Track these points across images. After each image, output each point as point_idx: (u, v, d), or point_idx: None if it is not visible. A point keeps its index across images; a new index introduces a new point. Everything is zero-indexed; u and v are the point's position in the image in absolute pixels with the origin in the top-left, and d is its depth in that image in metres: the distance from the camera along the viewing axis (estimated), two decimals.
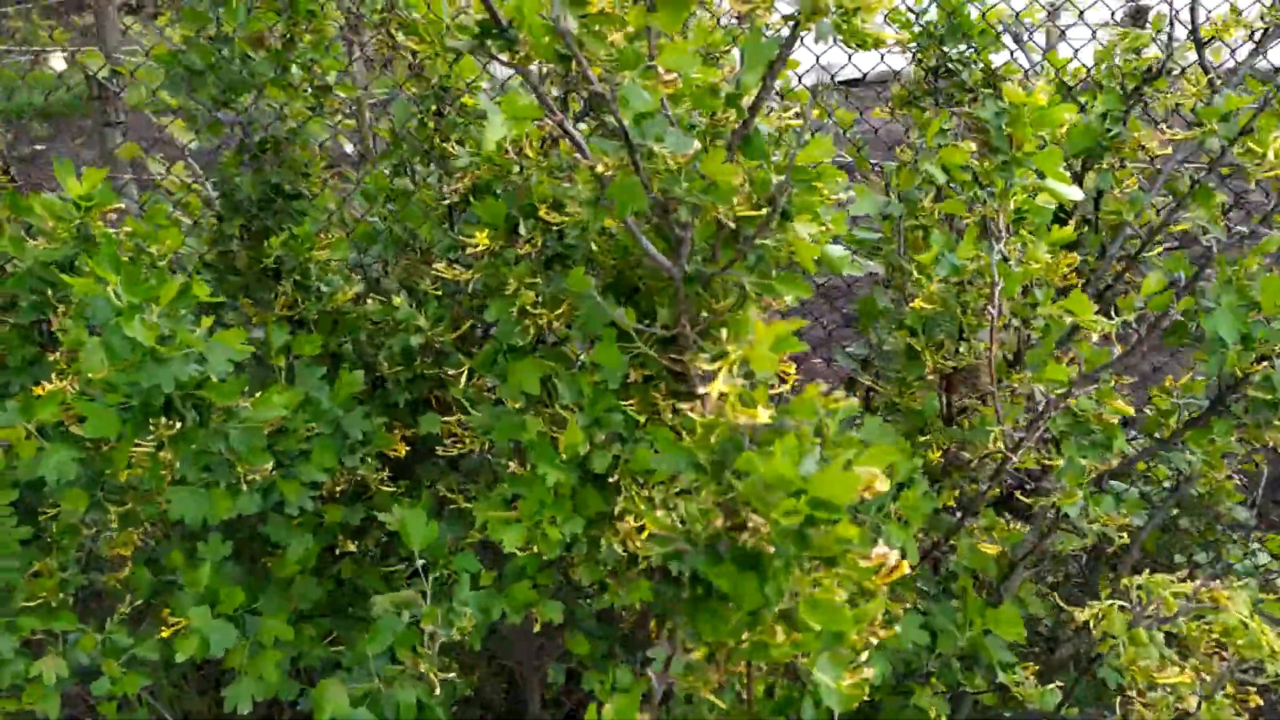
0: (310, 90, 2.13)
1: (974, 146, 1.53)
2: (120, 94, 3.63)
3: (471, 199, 1.56)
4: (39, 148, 5.77)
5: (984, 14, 1.80)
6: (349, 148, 3.86)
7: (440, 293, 1.99)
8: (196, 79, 1.92)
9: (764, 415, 0.78)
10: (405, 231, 2.18)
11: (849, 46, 1.01)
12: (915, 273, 1.36)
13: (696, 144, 1.02)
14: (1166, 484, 2.25)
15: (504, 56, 1.14)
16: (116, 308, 1.28)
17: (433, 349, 1.91)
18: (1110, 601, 1.23)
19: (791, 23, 1.00)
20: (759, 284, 1.21)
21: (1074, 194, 1.20)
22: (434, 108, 2.30)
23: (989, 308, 1.27)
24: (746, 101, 1.12)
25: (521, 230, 1.45)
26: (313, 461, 1.67)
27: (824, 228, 1.16)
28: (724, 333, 1.35)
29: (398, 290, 2.04)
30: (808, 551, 0.68)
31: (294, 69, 2.08)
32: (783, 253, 1.23)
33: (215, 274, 2.09)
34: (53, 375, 1.56)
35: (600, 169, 1.06)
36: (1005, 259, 1.26)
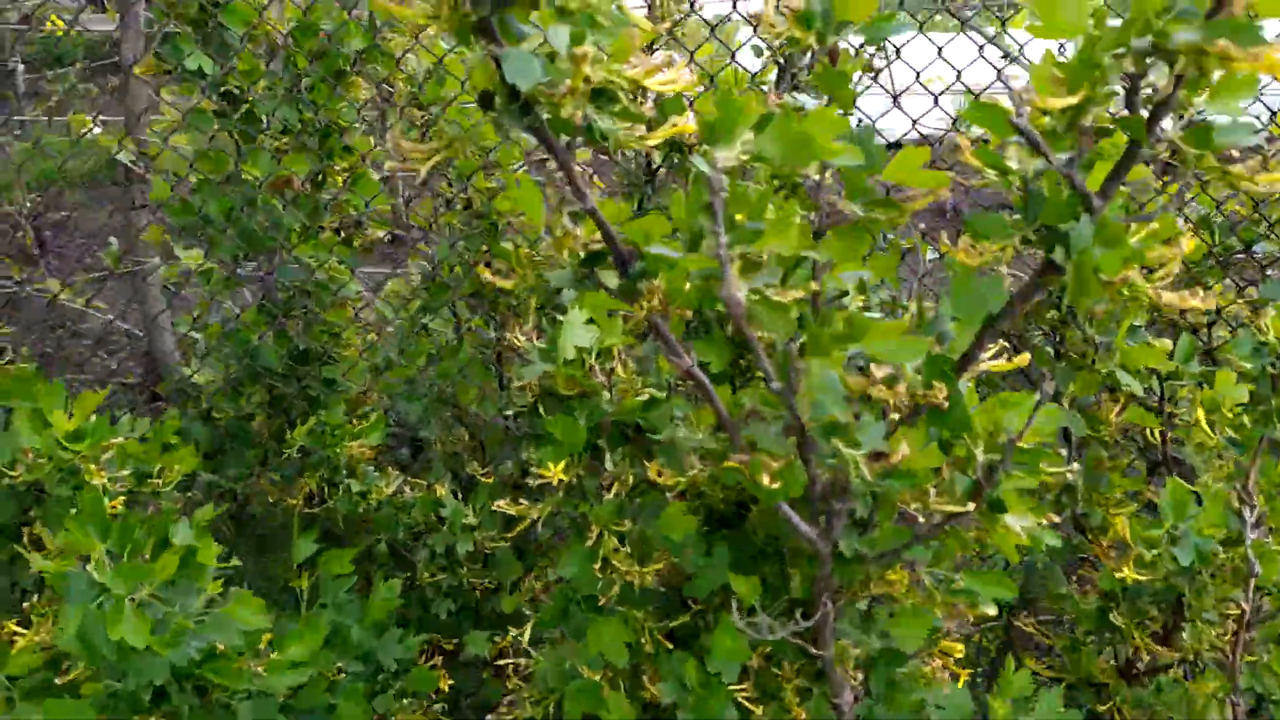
0: (342, 234, 1.87)
1: (1168, 344, 1.23)
2: (146, 176, 3.42)
3: (541, 409, 1.27)
4: (70, 214, 5.58)
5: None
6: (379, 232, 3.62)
7: (492, 480, 1.70)
8: (214, 233, 1.66)
9: None
10: (450, 394, 1.89)
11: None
12: (1120, 531, 1.06)
13: (906, 449, 0.72)
14: None
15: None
16: (101, 586, 0.98)
17: (482, 552, 1.61)
18: None
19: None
20: (948, 584, 0.91)
21: None
22: (485, 247, 2.05)
23: (1242, 602, 0.96)
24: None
25: (608, 463, 1.15)
26: (338, 718, 1.35)
27: (1042, 521, 0.86)
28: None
29: (442, 473, 1.74)
30: None
31: (323, 209, 1.83)
32: (971, 533, 0.93)
33: (230, 448, 1.80)
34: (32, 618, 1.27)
35: (765, 479, 0.76)
36: (1259, 531, 0.96)
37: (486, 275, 0.81)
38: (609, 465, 1.16)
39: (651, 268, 0.76)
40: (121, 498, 1.15)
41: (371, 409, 1.86)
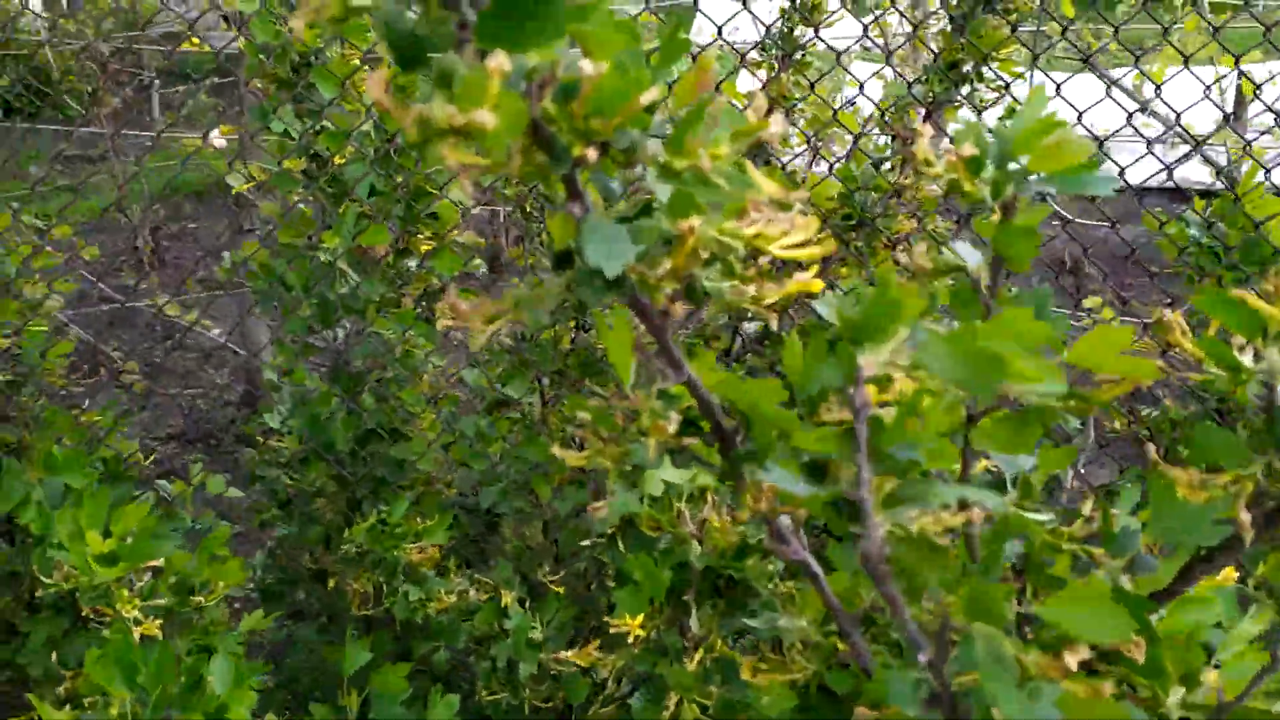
0: (423, 305, 1.77)
1: None
2: (254, 202, 3.43)
3: (620, 542, 1.12)
4: (188, 225, 5.73)
5: None
6: (481, 269, 3.55)
7: (562, 587, 1.55)
8: (289, 302, 1.57)
9: None
10: (526, 479, 1.76)
11: None
12: None
13: None
14: None
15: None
16: None
17: (549, 673, 1.47)
18: None
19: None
20: None
21: None
22: (574, 322, 1.93)
23: None
24: None
25: (694, 623, 0.99)
26: None
27: None
28: None
29: (509, 573, 1.60)
30: None
31: (406, 279, 1.73)
32: None
33: (295, 521, 1.71)
34: None
35: None
36: None
37: (557, 451, 0.66)
38: (694, 622, 1.01)
39: (760, 443, 0.61)
40: (159, 620, 1.04)
41: (440, 490, 1.74)
